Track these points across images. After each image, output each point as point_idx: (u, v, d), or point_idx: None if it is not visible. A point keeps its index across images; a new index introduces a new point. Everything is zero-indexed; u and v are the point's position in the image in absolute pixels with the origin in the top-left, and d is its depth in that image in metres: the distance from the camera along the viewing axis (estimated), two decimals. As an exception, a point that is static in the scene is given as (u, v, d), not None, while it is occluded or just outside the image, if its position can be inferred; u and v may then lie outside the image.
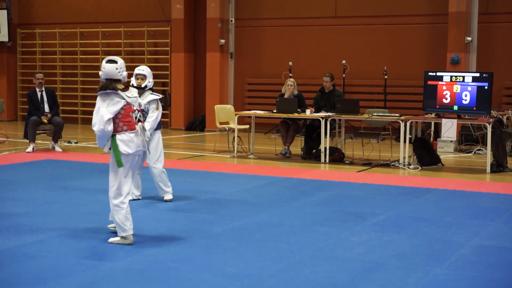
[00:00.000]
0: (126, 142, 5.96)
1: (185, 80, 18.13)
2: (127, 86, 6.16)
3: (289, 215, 7.35)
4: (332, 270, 5.26)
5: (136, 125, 6.01)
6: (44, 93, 12.86)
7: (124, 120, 5.96)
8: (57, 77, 20.20)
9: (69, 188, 8.78)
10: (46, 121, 12.64)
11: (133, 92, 6.12)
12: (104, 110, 5.91)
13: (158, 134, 7.91)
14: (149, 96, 7.58)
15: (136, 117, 6.04)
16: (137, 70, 7.77)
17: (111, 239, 6.01)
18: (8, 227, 6.56)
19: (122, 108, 5.95)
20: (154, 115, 7.53)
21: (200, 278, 5.00)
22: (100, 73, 6.09)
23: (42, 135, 13.36)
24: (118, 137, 5.96)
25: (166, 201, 7.92)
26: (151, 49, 19.03)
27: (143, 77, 7.70)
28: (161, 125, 8.01)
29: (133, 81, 7.71)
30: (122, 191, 5.97)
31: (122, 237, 5.95)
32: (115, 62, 6.02)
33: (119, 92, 5.95)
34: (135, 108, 6.04)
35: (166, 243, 6.02)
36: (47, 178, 9.63)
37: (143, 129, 6.10)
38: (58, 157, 11.97)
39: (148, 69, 7.84)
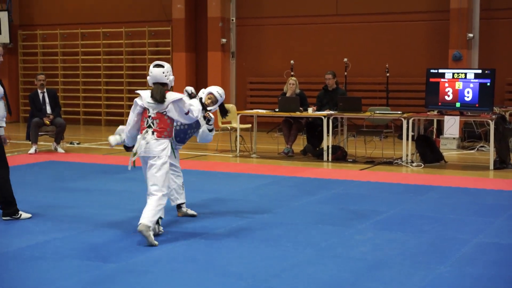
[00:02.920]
0: (138, 145, 6.21)
1: (186, 79, 18.10)
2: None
3: (292, 214, 7.34)
4: (336, 269, 5.25)
5: (144, 130, 6.17)
6: (46, 94, 12.86)
7: (141, 125, 6.25)
8: (59, 78, 20.19)
9: (72, 190, 8.77)
10: (48, 122, 12.64)
11: (168, 96, 6.18)
12: (130, 115, 6.36)
13: None
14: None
15: (146, 122, 6.17)
16: (214, 91, 7.05)
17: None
18: (11, 228, 6.56)
19: (140, 113, 6.25)
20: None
21: (204, 278, 5.00)
22: (148, 78, 6.33)
23: (44, 137, 13.36)
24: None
25: None
26: (152, 49, 19.01)
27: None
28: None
29: (203, 96, 6.96)
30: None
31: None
32: (162, 66, 6.24)
33: (142, 97, 6.21)
34: (149, 114, 6.17)
35: (169, 243, 6.02)
36: (50, 180, 9.63)
37: (150, 135, 6.13)
38: (60, 158, 11.97)
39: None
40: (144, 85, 18.73)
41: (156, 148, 6.13)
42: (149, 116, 6.17)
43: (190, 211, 7.15)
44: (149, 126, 6.16)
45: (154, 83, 6.24)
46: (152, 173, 6.12)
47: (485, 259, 5.54)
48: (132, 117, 6.29)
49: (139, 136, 6.21)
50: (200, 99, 6.80)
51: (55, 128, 12.73)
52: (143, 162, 6.25)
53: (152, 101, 6.15)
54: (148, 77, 6.34)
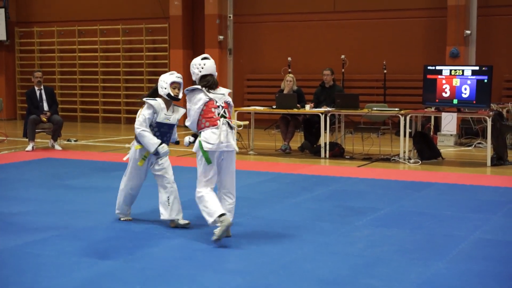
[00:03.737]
0: (208, 138, 6.00)
1: (183, 77, 18.00)
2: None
3: (290, 211, 7.35)
4: (333, 265, 5.25)
5: (218, 121, 6.02)
6: (43, 91, 12.84)
7: (206, 117, 6.06)
8: (56, 75, 20.17)
9: (69, 187, 8.77)
10: (45, 119, 12.62)
11: (221, 89, 6.20)
12: (193, 108, 6.06)
13: None
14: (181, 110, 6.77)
15: (218, 113, 6.06)
16: (176, 78, 6.70)
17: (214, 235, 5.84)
18: (8, 226, 6.55)
19: (204, 105, 6.06)
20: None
21: (201, 275, 5.00)
22: (197, 71, 6.23)
23: (41, 134, 13.34)
24: (202, 134, 6.05)
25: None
26: (149, 46, 18.99)
27: (180, 86, 6.68)
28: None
29: (169, 90, 6.59)
30: (201, 183, 6.13)
31: (219, 223, 5.84)
32: (209, 58, 6.25)
33: (202, 88, 6.10)
34: (218, 104, 6.09)
35: (167, 240, 6.02)
36: (47, 177, 9.62)
37: (228, 125, 6.07)
38: (57, 155, 11.96)
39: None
40: (141, 82, 18.74)
41: (233, 140, 6.09)
42: (219, 106, 6.08)
43: (182, 221, 6.55)
44: (222, 116, 6.07)
45: (205, 75, 6.17)
46: (231, 171, 6.16)
47: (482, 256, 5.55)
48: (196, 110, 6.03)
49: (214, 130, 5.98)
50: (168, 94, 6.55)
51: (52, 125, 12.71)
52: (214, 156, 6.01)
53: (219, 92, 6.12)
54: (196, 71, 6.21)
